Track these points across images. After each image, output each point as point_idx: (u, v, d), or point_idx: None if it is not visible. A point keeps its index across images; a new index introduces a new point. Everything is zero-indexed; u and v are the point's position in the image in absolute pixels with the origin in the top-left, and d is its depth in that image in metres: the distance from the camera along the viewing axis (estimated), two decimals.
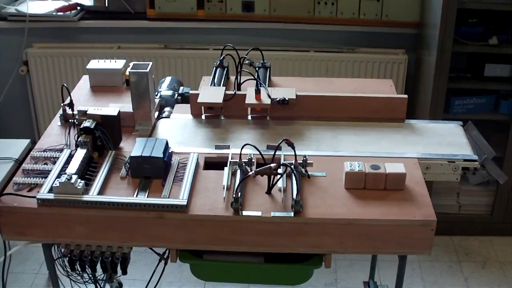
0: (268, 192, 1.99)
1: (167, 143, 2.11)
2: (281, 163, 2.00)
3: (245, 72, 2.54)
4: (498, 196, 3.46)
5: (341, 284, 3.24)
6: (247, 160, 2.07)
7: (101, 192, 1.98)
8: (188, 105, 2.49)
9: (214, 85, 2.54)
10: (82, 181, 1.96)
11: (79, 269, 2.05)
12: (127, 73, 2.41)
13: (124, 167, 2.09)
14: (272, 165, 1.95)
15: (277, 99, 2.39)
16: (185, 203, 1.91)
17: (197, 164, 2.13)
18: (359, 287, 3.09)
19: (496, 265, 3.38)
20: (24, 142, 2.78)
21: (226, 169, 2.07)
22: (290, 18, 3.61)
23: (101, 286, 2.57)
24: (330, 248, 1.95)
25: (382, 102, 2.44)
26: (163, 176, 2.04)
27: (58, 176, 2.00)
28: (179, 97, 2.59)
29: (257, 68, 2.62)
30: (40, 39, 3.79)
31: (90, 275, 2.23)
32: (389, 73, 3.63)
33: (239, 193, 1.90)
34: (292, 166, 1.99)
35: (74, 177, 1.94)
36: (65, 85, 2.33)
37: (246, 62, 2.54)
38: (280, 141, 2.00)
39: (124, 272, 2.06)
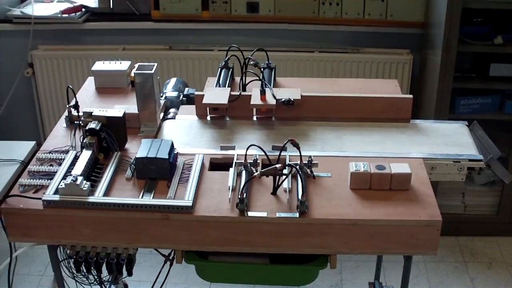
0: (274, 192, 1.99)
1: (172, 144, 2.11)
2: (287, 163, 2.00)
3: (250, 73, 2.54)
4: (503, 196, 3.45)
5: (346, 285, 3.24)
6: (252, 161, 2.07)
7: (106, 193, 1.98)
8: (193, 106, 2.49)
9: (219, 86, 2.54)
10: (88, 183, 1.96)
11: (85, 270, 2.06)
12: (132, 74, 2.41)
13: (130, 168, 2.09)
14: (278, 165, 1.95)
15: (282, 100, 2.39)
16: (190, 204, 1.92)
17: (203, 165, 2.14)
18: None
19: (502, 266, 3.37)
20: (29, 144, 2.79)
21: (231, 170, 2.07)
22: (294, 18, 3.61)
23: (107, 287, 2.57)
24: (335, 249, 1.95)
25: (387, 102, 2.44)
26: (169, 177, 2.05)
27: (64, 177, 2.00)
28: (184, 98, 2.59)
29: (262, 69, 2.62)
30: (46, 41, 3.80)
31: (96, 277, 2.24)
32: (394, 73, 3.62)
33: (245, 194, 1.90)
34: (297, 167, 1.99)
35: (80, 178, 1.94)
36: (70, 86, 2.34)
37: (251, 63, 2.53)
38: (285, 141, 2.00)
39: (130, 274, 2.07)
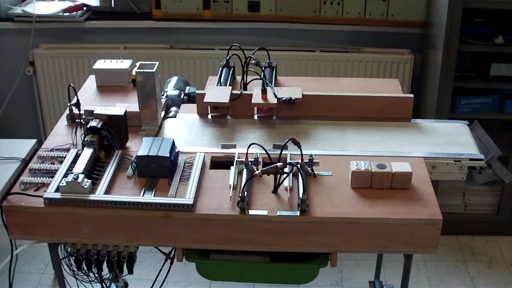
0: (275, 191, 2.00)
1: (173, 143, 2.11)
2: (287, 162, 2.00)
3: (251, 72, 2.54)
4: (504, 196, 3.46)
5: (346, 284, 3.24)
6: (253, 160, 2.07)
7: (107, 191, 1.99)
8: (195, 105, 2.49)
9: (220, 85, 2.54)
10: (89, 181, 1.96)
11: (85, 268, 2.06)
12: (134, 73, 2.41)
13: (131, 167, 2.10)
14: (279, 164, 1.95)
15: (283, 99, 2.39)
16: (191, 202, 1.92)
17: (204, 163, 2.14)
18: (365, 286, 3.09)
19: (503, 265, 3.37)
20: (30, 142, 2.79)
21: (232, 168, 2.08)
22: (296, 18, 3.62)
23: (107, 285, 2.58)
24: (336, 247, 1.95)
25: (388, 102, 2.44)
26: (170, 176, 2.05)
27: (65, 175, 2.01)
28: (186, 97, 2.60)
29: (263, 68, 2.63)
30: (47, 40, 3.81)
31: (96, 275, 2.24)
32: (395, 72, 3.63)
33: (246, 192, 1.91)
34: (298, 165, 1.99)
35: (81, 176, 1.94)
36: (71, 85, 2.34)
37: (252, 62, 2.54)
38: (286, 140, 2.00)
39: (130, 272, 2.07)
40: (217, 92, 2.46)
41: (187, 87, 2.66)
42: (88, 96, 2.59)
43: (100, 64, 2.70)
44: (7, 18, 3.75)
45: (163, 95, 2.55)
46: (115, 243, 2.01)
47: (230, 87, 2.49)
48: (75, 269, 2.10)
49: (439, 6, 3.22)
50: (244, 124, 2.41)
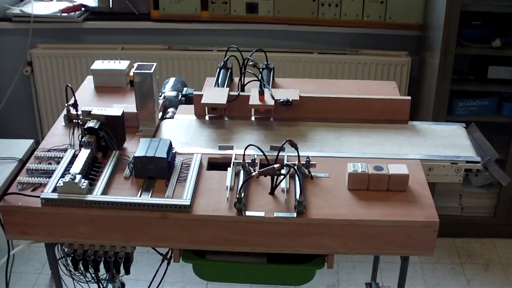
0: (271, 192, 2.00)
1: (170, 144, 2.11)
2: (285, 164, 2.00)
3: (249, 73, 2.54)
4: (500, 198, 3.46)
5: (343, 286, 3.24)
6: (250, 161, 2.08)
7: (104, 192, 1.99)
8: (192, 106, 2.50)
9: (218, 86, 2.54)
10: (86, 181, 1.96)
11: (82, 268, 2.06)
12: (131, 73, 2.41)
13: (128, 167, 2.10)
14: (276, 165, 1.95)
15: (281, 100, 2.39)
16: (188, 203, 1.92)
17: (201, 164, 2.14)
18: None
19: (499, 267, 3.38)
20: (28, 142, 2.79)
21: (229, 169, 2.08)
22: (293, 19, 3.62)
23: (104, 286, 2.58)
24: (332, 249, 1.95)
25: (385, 104, 2.45)
26: (167, 176, 2.05)
27: (62, 175, 2.01)
28: (183, 98, 2.60)
29: (260, 70, 2.63)
30: (45, 40, 3.80)
31: (93, 275, 2.24)
32: (392, 75, 3.63)
33: (243, 194, 1.91)
34: (295, 167, 1.99)
35: (78, 177, 1.94)
36: (69, 85, 2.34)
37: (250, 63, 2.54)
38: (284, 142, 2.01)
39: (127, 272, 2.07)
40: (214, 93, 2.46)
41: (185, 88, 2.66)
42: (86, 97, 2.59)
43: (98, 64, 2.70)
44: (5, 18, 3.75)
45: (160, 96, 2.55)
46: (112, 244, 2.01)
47: (228, 89, 2.50)
48: (72, 270, 2.10)
49: (436, 8, 3.22)
50: (242, 126, 2.41)
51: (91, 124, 2.13)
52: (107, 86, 2.66)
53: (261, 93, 2.41)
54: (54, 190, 1.96)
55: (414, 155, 2.23)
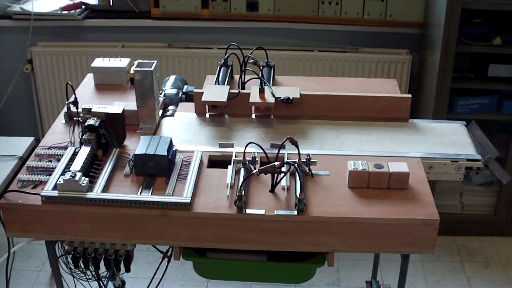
0: (272, 190, 2.00)
1: (171, 141, 2.11)
2: (285, 161, 2.00)
3: (249, 71, 2.54)
4: (501, 196, 3.46)
5: (343, 284, 3.24)
6: (251, 159, 2.07)
7: (105, 189, 1.99)
8: (192, 104, 2.49)
9: (218, 84, 2.54)
10: (86, 179, 1.96)
11: (82, 266, 2.06)
12: (132, 71, 2.41)
13: (128, 165, 2.10)
14: (276, 163, 1.95)
15: (281, 98, 2.39)
16: (188, 201, 1.92)
17: (201, 162, 2.14)
18: (362, 286, 3.09)
19: (499, 266, 3.38)
20: (28, 140, 2.79)
21: (230, 167, 2.08)
22: (294, 17, 3.62)
23: (104, 283, 2.58)
24: (333, 247, 1.95)
25: (385, 102, 2.45)
26: (167, 174, 2.05)
27: (63, 173, 2.01)
28: (183, 96, 2.60)
29: (261, 67, 2.63)
30: (45, 38, 3.80)
31: (93, 273, 2.24)
32: (393, 73, 3.63)
33: (243, 191, 1.91)
34: (296, 165, 1.99)
35: (78, 174, 1.94)
36: (69, 83, 2.34)
37: (250, 61, 2.54)
38: (284, 139, 2.00)
39: (127, 270, 2.07)
40: (215, 91, 2.46)
41: (185, 86, 2.66)
42: (86, 94, 2.59)
43: (98, 62, 2.70)
44: (5, 16, 3.75)
45: (161, 94, 2.55)
46: (113, 241, 2.01)
47: (228, 86, 2.49)
48: (72, 267, 2.10)
49: (437, 6, 3.22)
50: (242, 123, 2.41)
51: (91, 121, 2.12)
52: (108, 83, 2.66)
53: (262, 91, 2.41)
54: (55, 188, 1.96)
55: (415, 153, 2.23)
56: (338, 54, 3.66)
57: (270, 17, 3.63)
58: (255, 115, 2.46)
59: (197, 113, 2.48)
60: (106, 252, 2.02)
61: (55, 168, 2.07)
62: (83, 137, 2.12)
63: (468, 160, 2.21)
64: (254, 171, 1.98)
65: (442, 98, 3.19)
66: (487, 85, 3.27)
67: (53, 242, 2.09)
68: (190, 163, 2.11)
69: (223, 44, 3.26)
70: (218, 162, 2.17)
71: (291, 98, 2.39)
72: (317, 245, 1.95)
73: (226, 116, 2.46)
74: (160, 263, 2.24)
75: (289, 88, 2.48)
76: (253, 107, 2.45)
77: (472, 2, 3.03)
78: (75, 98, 2.37)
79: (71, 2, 3.77)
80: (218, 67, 2.65)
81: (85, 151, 2.08)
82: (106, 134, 2.14)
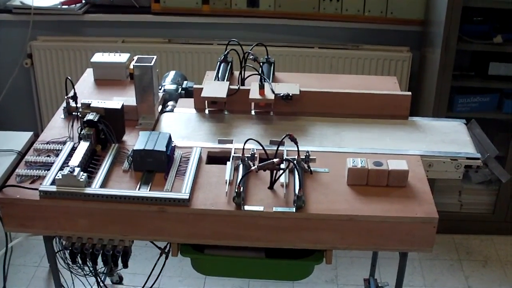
0: (271, 187, 2.00)
1: (170, 137, 2.11)
2: (284, 158, 2.00)
3: (249, 67, 2.53)
4: (500, 195, 3.46)
5: (341, 281, 3.24)
6: (250, 155, 2.07)
7: (103, 185, 1.98)
8: (192, 100, 2.49)
9: (218, 80, 2.54)
10: (85, 174, 1.96)
11: (80, 262, 2.06)
12: (131, 66, 2.41)
13: (127, 161, 2.09)
14: (275, 160, 1.95)
15: (281, 95, 2.39)
16: (187, 197, 1.92)
17: (200, 158, 2.14)
18: (360, 284, 3.09)
19: (497, 264, 3.37)
20: (27, 135, 2.78)
21: (228, 163, 2.07)
22: (294, 14, 3.61)
23: (102, 279, 2.57)
24: (331, 244, 1.95)
25: (385, 99, 2.44)
26: (166, 170, 2.05)
27: (61, 168, 2.00)
28: (183, 92, 2.60)
29: (261, 64, 2.62)
30: (45, 32, 3.79)
31: (91, 268, 2.24)
32: (393, 70, 3.62)
33: (242, 188, 1.90)
34: (295, 162, 1.99)
35: (77, 169, 1.94)
36: (69, 78, 2.33)
37: (250, 57, 2.53)
38: (283, 136, 2.00)
39: (125, 266, 2.07)
40: (214, 87, 2.45)
41: (185, 82, 2.66)
42: (86, 89, 2.59)
43: (98, 57, 2.69)
44: (5, 10, 3.74)
45: (160, 89, 2.55)
46: (110, 237, 2.01)
47: (228, 82, 2.49)
48: (70, 263, 2.10)
49: (438, 4, 3.21)
50: (241, 120, 2.40)
51: (90, 116, 2.12)
52: (107, 79, 2.66)
53: (261, 87, 2.40)
54: (53, 183, 1.95)
55: (414, 151, 2.22)
56: (339, 51, 3.65)
57: (270, 13, 3.62)
58: (255, 112, 2.46)
59: (197, 109, 2.47)
60: (104, 247, 2.02)
61: (53, 163, 2.07)
62: (82, 132, 2.12)
63: (468, 158, 2.21)
64: (253, 168, 1.97)
65: (442, 96, 3.19)
66: (487, 83, 3.26)
67: (51, 237, 2.08)
68: (189, 159, 2.11)
69: (223, 40, 3.25)
70: (217, 158, 2.17)
71: (291, 94, 2.39)
72: (316, 242, 1.95)
73: (226, 112, 2.45)
74: (158, 259, 2.23)
75: (289, 84, 2.48)
76: (252, 104, 2.45)
77: (473, 0, 3.02)
78: (75, 93, 2.36)
79: None
80: (218, 63, 2.65)
81: (83, 146, 2.08)
82: (105, 130, 2.14)
